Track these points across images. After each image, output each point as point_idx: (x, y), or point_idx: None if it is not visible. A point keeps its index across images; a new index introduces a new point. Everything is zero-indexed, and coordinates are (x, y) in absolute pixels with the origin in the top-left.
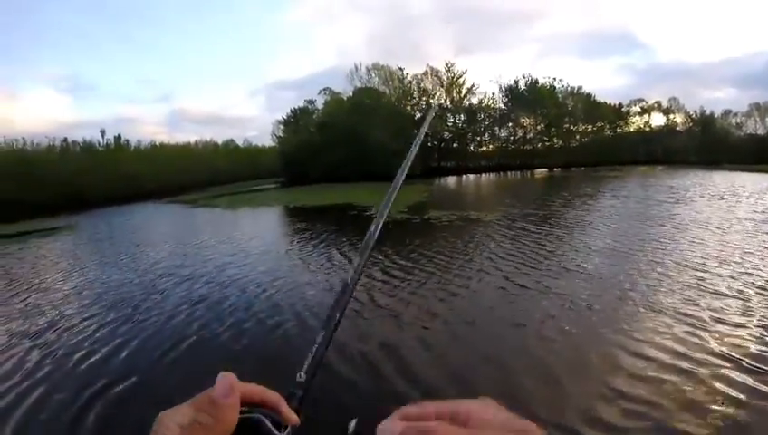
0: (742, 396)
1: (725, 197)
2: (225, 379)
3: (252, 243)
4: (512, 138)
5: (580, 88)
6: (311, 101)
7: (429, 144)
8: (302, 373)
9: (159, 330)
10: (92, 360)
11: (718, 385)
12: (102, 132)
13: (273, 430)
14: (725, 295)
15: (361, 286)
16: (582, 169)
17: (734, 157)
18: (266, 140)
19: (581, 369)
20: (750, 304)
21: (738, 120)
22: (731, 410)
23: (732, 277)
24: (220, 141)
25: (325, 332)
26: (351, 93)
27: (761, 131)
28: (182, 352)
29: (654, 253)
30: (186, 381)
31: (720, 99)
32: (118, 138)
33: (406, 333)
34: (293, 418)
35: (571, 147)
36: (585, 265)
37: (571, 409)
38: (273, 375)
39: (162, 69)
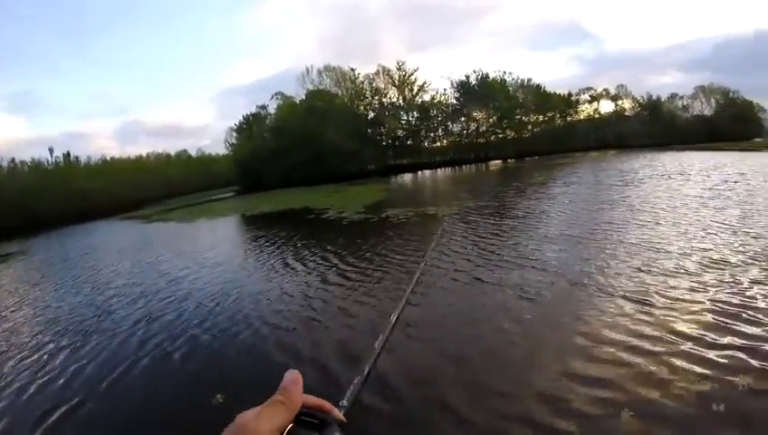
0: (698, 370)
1: (673, 176)
2: (292, 373)
3: (207, 255)
4: (465, 132)
5: (530, 80)
6: (263, 107)
7: (384, 143)
8: (344, 401)
9: (113, 353)
10: (46, 389)
11: (675, 362)
12: (51, 150)
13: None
14: (676, 274)
15: (317, 290)
16: (536, 158)
17: (683, 137)
18: (220, 149)
19: (537, 356)
20: (701, 281)
21: (684, 103)
22: (688, 386)
23: (682, 255)
24: (173, 152)
25: (368, 365)
26: (304, 97)
27: (707, 112)
28: (136, 375)
29: (605, 237)
30: (140, 404)
31: (668, 84)
32: (67, 155)
33: (361, 335)
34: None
35: (524, 138)
36: (538, 254)
37: (528, 395)
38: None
39: (115, 82)
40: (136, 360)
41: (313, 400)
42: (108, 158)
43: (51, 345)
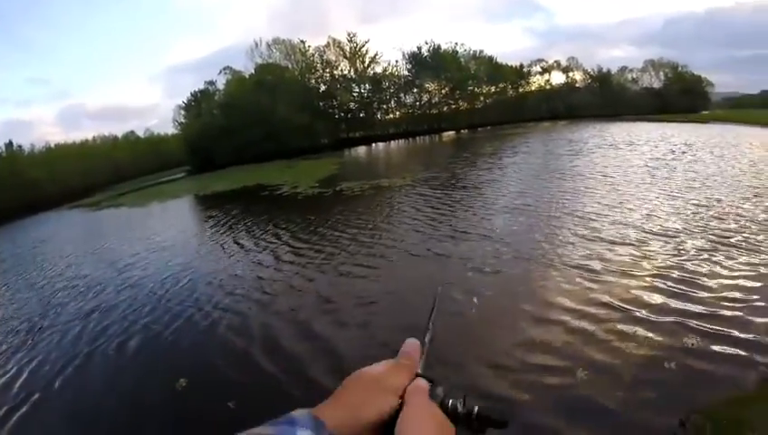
0: (648, 334)
1: (621, 146)
2: (413, 342)
3: (158, 239)
4: (418, 103)
5: (482, 51)
6: (211, 83)
7: (336, 116)
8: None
9: (68, 347)
10: (3, 391)
11: (621, 328)
12: None
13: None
14: (621, 244)
15: (269, 269)
16: (488, 128)
17: (633, 109)
18: (169, 128)
19: (487, 328)
20: (645, 250)
21: (634, 76)
22: (633, 352)
23: (626, 225)
24: (120, 135)
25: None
26: (253, 71)
27: (656, 85)
28: (94, 367)
29: (552, 207)
30: (102, 396)
31: (619, 57)
32: (9, 144)
33: (314, 312)
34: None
35: (477, 108)
36: (487, 226)
37: (481, 365)
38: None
39: (54, 66)
40: (92, 352)
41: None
42: (52, 145)
43: (3, 347)
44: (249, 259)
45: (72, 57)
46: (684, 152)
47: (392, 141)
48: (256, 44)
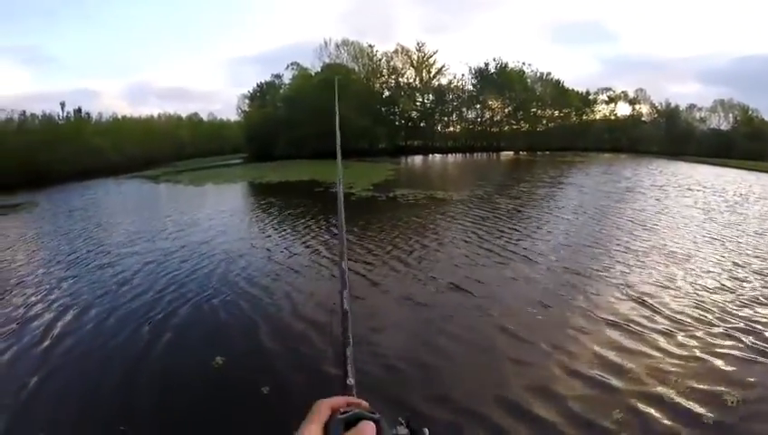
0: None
1: (692, 189)
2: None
3: (213, 221)
4: (479, 120)
5: (549, 74)
6: (278, 76)
7: (397, 123)
8: (351, 378)
9: (115, 314)
10: (60, 344)
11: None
12: (62, 105)
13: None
14: (677, 289)
15: (318, 266)
16: (547, 153)
17: (697, 149)
18: (231, 114)
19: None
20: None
21: (702, 115)
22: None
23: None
24: (184, 115)
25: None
26: (320, 69)
27: (724, 127)
28: (140, 335)
29: (605, 245)
30: (142, 363)
31: (684, 93)
32: (78, 111)
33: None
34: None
35: (538, 131)
36: (543, 255)
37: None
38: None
39: (125, 42)
40: (141, 323)
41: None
42: (119, 116)
43: (59, 304)
44: (296, 250)
45: (145, 36)
46: (749, 201)
47: (449, 154)
48: (326, 43)
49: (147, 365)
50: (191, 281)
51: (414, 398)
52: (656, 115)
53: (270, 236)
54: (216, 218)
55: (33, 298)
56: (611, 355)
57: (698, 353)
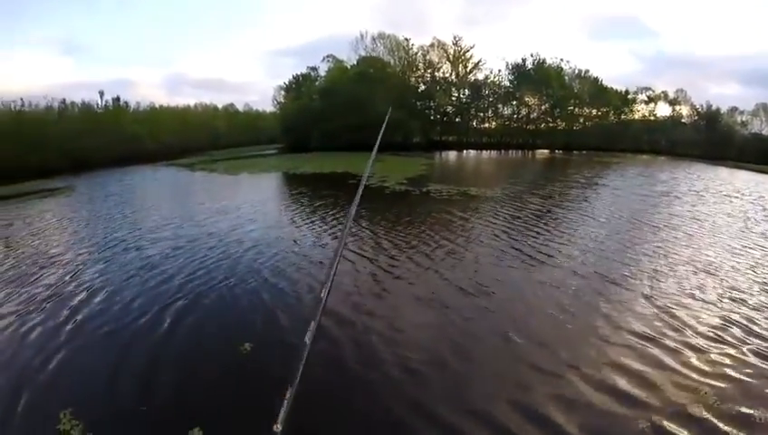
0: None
1: (731, 195)
2: None
3: (245, 205)
4: (515, 116)
5: (587, 71)
6: (313, 68)
7: (432, 117)
8: (278, 425)
9: (148, 294)
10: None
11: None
12: (101, 94)
13: None
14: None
15: (356, 261)
16: (584, 153)
17: (738, 154)
18: (267, 105)
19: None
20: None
21: (744, 119)
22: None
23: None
24: (220, 105)
25: (291, 386)
26: (355, 62)
27: (766, 132)
28: (172, 314)
29: (635, 251)
30: (172, 343)
31: (725, 94)
32: (116, 99)
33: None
34: None
35: (574, 130)
36: (570, 258)
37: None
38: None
39: (161, 32)
40: (172, 301)
41: None
42: (156, 105)
43: (89, 284)
44: (324, 241)
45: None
46: None
47: (484, 151)
48: (362, 36)
49: (170, 347)
50: (217, 267)
51: (431, 401)
52: (696, 117)
53: (299, 226)
54: (249, 206)
55: (66, 278)
56: (635, 367)
57: (728, 371)
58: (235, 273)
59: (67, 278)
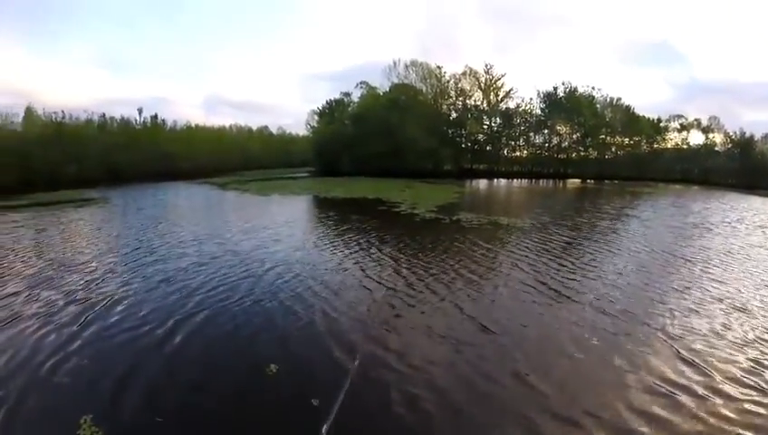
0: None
1: (765, 226)
2: None
3: (277, 229)
4: (546, 145)
5: (619, 99)
6: (347, 94)
7: (463, 145)
8: None
9: (169, 308)
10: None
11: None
12: (140, 111)
13: None
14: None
15: (380, 285)
16: (616, 182)
17: None
18: (300, 129)
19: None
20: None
21: None
22: None
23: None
24: (254, 127)
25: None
26: (388, 88)
27: None
28: (193, 331)
29: (661, 288)
30: (199, 364)
31: (759, 120)
32: (154, 117)
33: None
34: None
35: (606, 159)
36: (592, 294)
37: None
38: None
39: (200, 52)
40: (192, 313)
41: None
42: (192, 125)
43: (110, 293)
44: (361, 271)
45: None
46: None
47: (515, 179)
48: (395, 64)
49: (185, 361)
50: (238, 285)
51: None
52: (729, 145)
53: (322, 250)
54: (276, 227)
55: (91, 285)
56: (659, 414)
57: (759, 422)
58: (253, 292)
59: (92, 286)
